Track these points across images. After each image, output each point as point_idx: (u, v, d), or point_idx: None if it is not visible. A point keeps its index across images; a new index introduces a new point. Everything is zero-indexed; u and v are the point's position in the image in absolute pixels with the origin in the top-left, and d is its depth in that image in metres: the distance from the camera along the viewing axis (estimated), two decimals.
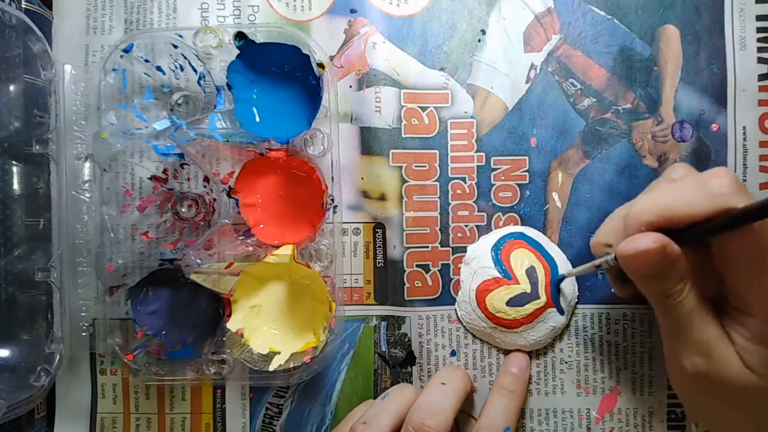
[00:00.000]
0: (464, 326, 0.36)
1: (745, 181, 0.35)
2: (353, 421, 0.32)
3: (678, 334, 0.28)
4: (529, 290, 0.34)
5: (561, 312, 0.34)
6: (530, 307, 0.34)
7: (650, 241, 0.26)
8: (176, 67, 0.35)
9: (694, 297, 0.27)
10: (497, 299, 0.34)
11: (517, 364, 0.35)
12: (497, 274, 0.34)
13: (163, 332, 0.35)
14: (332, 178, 0.34)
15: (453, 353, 0.36)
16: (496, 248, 0.35)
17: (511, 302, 0.34)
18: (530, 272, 0.34)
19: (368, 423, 0.31)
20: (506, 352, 0.36)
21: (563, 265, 0.35)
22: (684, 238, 0.26)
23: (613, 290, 0.35)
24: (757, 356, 0.26)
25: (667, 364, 0.31)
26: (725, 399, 0.28)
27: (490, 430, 0.32)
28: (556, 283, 0.34)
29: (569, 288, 0.35)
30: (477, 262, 0.35)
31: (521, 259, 0.34)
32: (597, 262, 0.30)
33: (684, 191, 0.26)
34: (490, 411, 0.33)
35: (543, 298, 0.34)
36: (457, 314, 0.36)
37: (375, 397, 0.36)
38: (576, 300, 0.35)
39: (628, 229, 0.27)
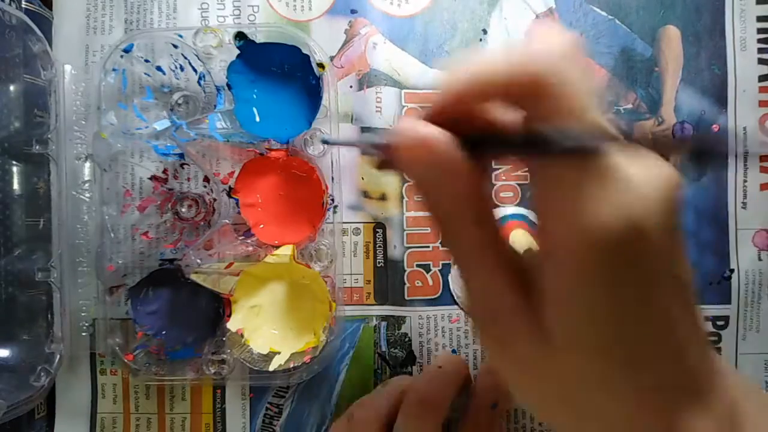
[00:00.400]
0: (456, 302, 0.36)
1: (746, 182, 0.35)
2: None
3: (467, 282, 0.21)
4: None
5: None
6: None
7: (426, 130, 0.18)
8: (176, 67, 0.35)
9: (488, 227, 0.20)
10: None
11: None
12: None
13: (163, 332, 0.34)
14: (332, 178, 0.34)
15: (453, 353, 0.36)
16: None
17: None
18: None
19: (363, 404, 0.31)
20: None
21: None
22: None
23: None
24: (560, 316, 0.19)
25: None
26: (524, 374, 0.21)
27: (479, 409, 0.32)
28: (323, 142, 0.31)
29: None
30: None
31: (520, 240, 0.34)
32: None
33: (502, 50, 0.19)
34: (477, 390, 0.33)
35: None
36: (449, 287, 0.36)
37: None
38: None
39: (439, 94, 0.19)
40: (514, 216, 0.35)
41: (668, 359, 0.20)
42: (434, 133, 0.18)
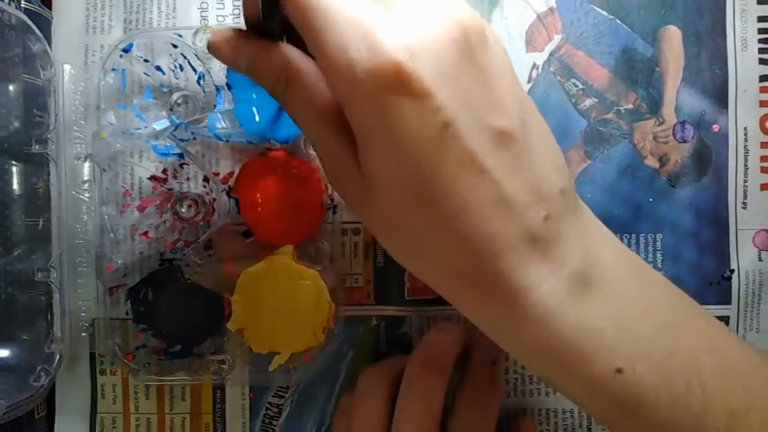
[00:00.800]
0: None
1: (746, 182, 0.35)
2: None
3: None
4: None
5: None
6: None
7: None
8: (176, 67, 0.35)
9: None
10: None
11: None
12: None
13: (163, 332, 0.34)
14: None
15: None
16: None
17: None
18: None
19: (368, 373, 0.32)
20: None
21: None
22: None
23: None
24: (367, 162, 0.20)
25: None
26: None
27: (479, 366, 0.32)
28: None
29: None
30: None
31: None
32: None
33: None
34: (477, 348, 0.33)
35: None
36: None
37: None
38: None
39: None
40: None
41: (491, 209, 0.19)
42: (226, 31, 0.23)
